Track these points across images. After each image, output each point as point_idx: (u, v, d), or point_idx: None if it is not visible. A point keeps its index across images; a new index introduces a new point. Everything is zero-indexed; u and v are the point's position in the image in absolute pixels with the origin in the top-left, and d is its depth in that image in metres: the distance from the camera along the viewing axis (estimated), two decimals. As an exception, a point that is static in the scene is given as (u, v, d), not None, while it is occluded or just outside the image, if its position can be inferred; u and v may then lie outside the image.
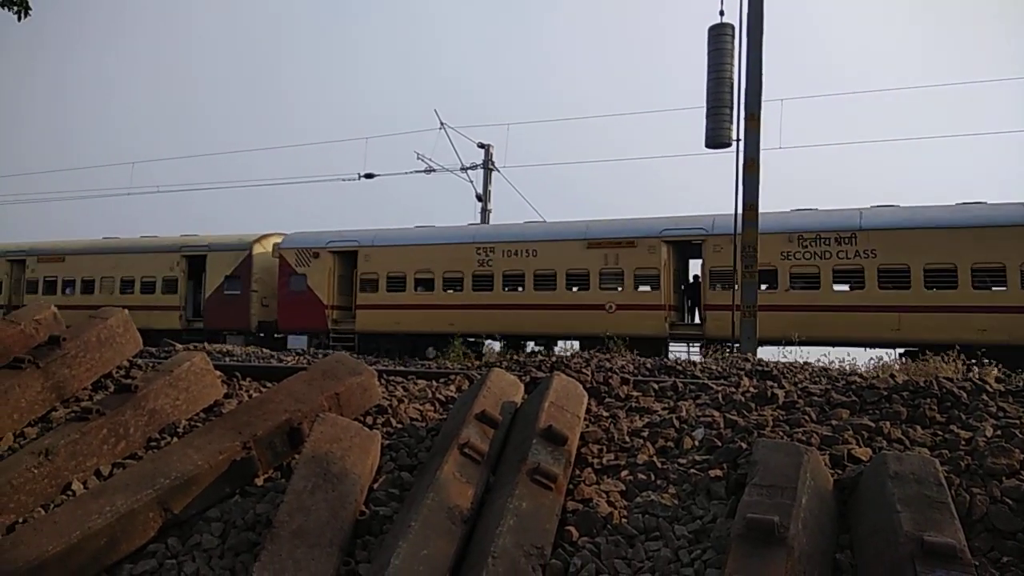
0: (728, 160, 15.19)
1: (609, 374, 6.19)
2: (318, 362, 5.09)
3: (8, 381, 5.05)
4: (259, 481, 4.16)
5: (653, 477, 4.06)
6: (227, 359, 8.34)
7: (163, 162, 66.23)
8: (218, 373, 5.44)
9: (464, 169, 28.26)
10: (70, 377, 5.35)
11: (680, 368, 9.68)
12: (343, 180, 29.01)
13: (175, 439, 4.68)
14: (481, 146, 28.69)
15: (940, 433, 4.09)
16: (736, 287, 15.75)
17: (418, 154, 28.15)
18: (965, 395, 4.50)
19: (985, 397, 4.46)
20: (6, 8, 7.78)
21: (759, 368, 9.74)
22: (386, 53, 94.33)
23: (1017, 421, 4.00)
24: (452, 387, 5.71)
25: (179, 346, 10.51)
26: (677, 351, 19.29)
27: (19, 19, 7.88)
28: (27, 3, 7.82)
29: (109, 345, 5.64)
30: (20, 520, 4.01)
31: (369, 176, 28.46)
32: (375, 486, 3.99)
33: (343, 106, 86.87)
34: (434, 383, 5.83)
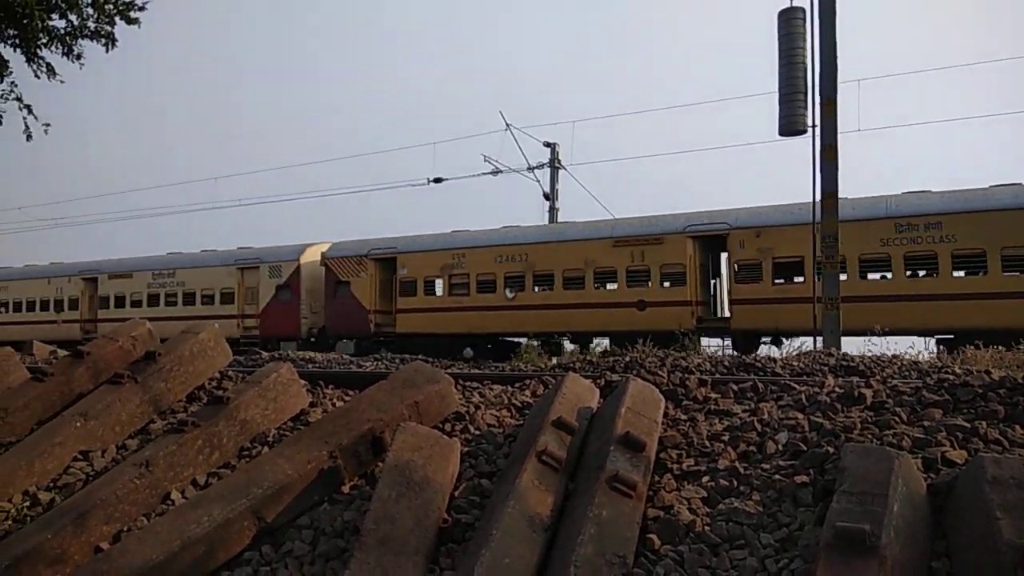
0: (804, 145, 14.66)
1: (686, 375, 6.11)
2: (397, 371, 5.21)
3: (109, 396, 5.35)
4: (345, 489, 4.29)
5: (735, 483, 3.98)
6: (310, 366, 8.62)
7: (237, 177, 68.93)
8: (303, 382, 5.63)
9: (531, 169, 28.39)
10: (166, 390, 5.64)
11: (760, 365, 9.45)
12: (413, 186, 29.53)
13: (265, 448, 4.87)
14: (547, 145, 28.72)
15: (1042, 433, 3.88)
16: (816, 278, 15.42)
17: (485, 156, 28.45)
18: (1068, 392, 4.26)
19: (1090, 394, 4.22)
20: (95, 41, 8.23)
21: (844, 363, 9.43)
22: (448, 56, 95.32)
23: None
24: (527, 392, 5.75)
25: (265, 354, 10.90)
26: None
27: (107, 51, 8.34)
28: (114, 36, 8.26)
29: (201, 358, 5.91)
30: (125, 529, 4.25)
31: (438, 180, 28.89)
32: (456, 494, 4.05)
33: (409, 113, 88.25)
34: (509, 388, 5.88)
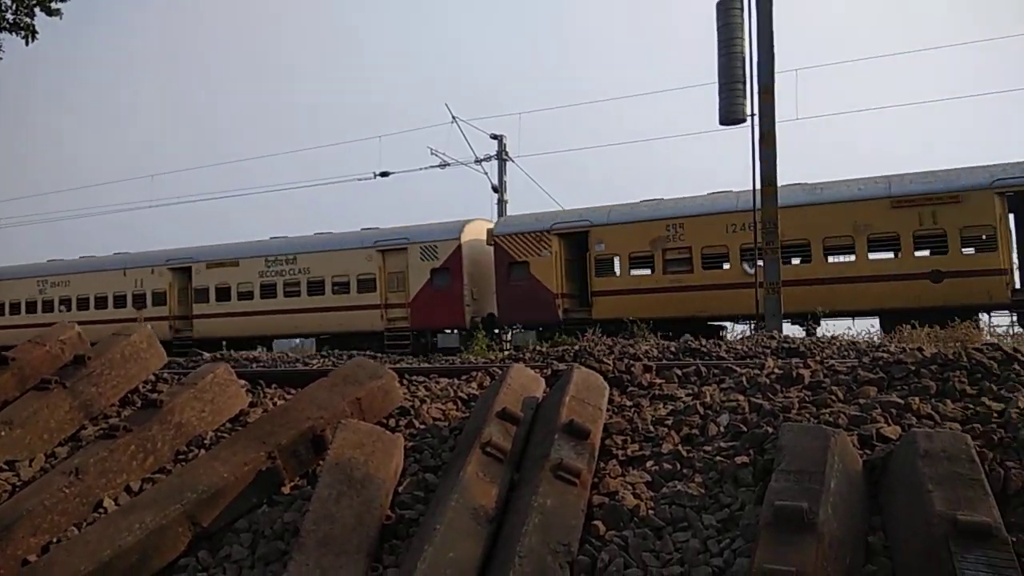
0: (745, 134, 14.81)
1: (631, 362, 6.13)
2: (339, 368, 5.11)
3: (37, 403, 5.13)
4: (286, 490, 4.18)
5: (679, 466, 4.01)
6: (254, 366, 8.42)
7: (175, 174, 66.78)
8: (242, 382, 5.48)
9: (478, 161, 28.24)
10: (97, 395, 5.43)
11: (705, 351, 9.58)
12: (359, 180, 29.07)
13: (202, 451, 4.72)
14: (494, 137, 28.63)
15: (971, 406, 4.00)
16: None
17: (431, 149, 28.17)
18: (996, 366, 4.40)
19: (1017, 367, 4.35)
20: (14, 33, 7.88)
21: (785, 346, 9.63)
22: (393, 49, 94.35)
23: (1051, 390, 3.90)
24: (474, 384, 5.70)
25: (207, 355, 10.61)
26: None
27: (27, 43, 7.98)
28: (34, 28, 7.91)
29: (134, 361, 5.71)
30: (54, 540, 4.07)
31: (384, 174, 28.55)
32: (400, 489, 3.99)
33: (355, 106, 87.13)
34: (455, 381, 5.82)
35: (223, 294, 25.39)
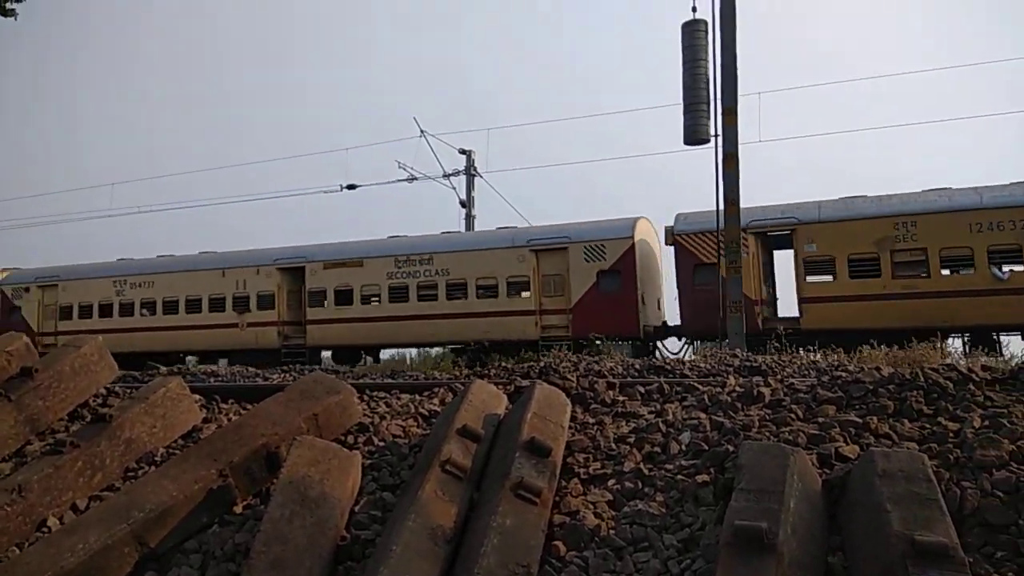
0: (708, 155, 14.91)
1: (595, 379, 6.11)
2: (295, 382, 4.99)
3: (-21, 417, 4.93)
4: (238, 509, 4.06)
5: (640, 485, 3.98)
6: (212, 380, 8.23)
7: (136, 183, 65.18)
8: (196, 397, 5.34)
9: (446, 176, 28.22)
10: (44, 409, 5.24)
11: (669, 368, 9.62)
12: (324, 192, 28.79)
13: (153, 468, 4.57)
14: (463, 152, 28.65)
15: (928, 426, 4.04)
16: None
17: (399, 163, 28.06)
18: (952, 386, 4.45)
19: (972, 387, 4.41)
20: None
21: (747, 364, 9.70)
22: (363, 61, 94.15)
23: (1004, 410, 3.95)
24: (435, 400, 5.62)
25: (163, 369, 10.35)
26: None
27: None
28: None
29: (84, 373, 5.52)
30: (-7, 561, 3.89)
31: (351, 187, 28.34)
32: (356, 509, 3.89)
33: (321, 118, 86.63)
34: (417, 397, 5.74)
35: (344, 297, 22.69)
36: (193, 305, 24.25)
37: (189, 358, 24.15)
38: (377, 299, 22.27)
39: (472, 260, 21.34)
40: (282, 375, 8.88)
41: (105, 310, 25.51)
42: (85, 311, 25.66)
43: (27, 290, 26.87)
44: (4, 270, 28.17)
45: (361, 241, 23.57)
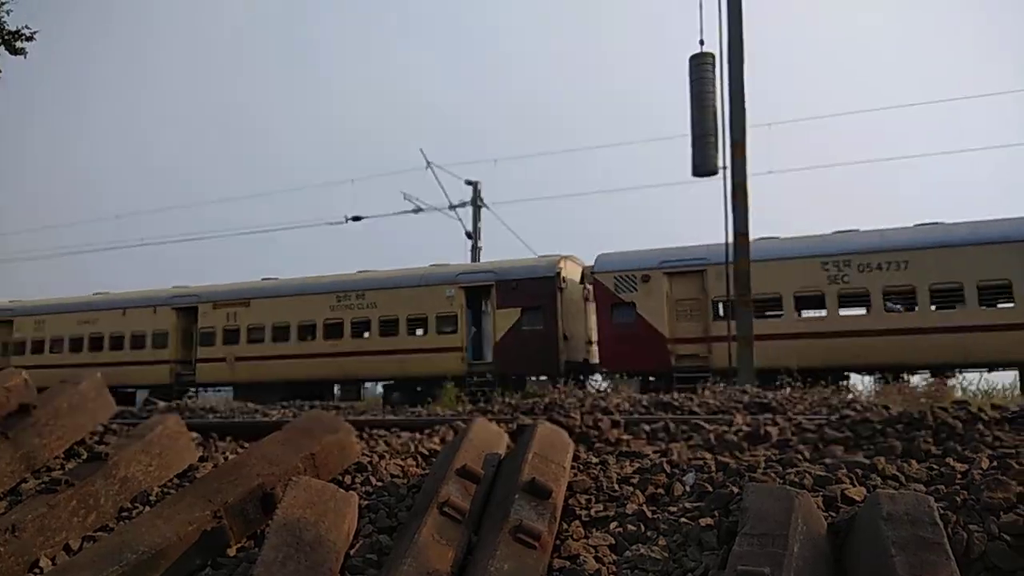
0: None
1: (599, 417, 6.04)
2: (294, 421, 4.94)
3: (-25, 454, 4.89)
4: (231, 552, 3.98)
5: (643, 528, 3.89)
6: (211, 416, 8.17)
7: (144, 216, 65.76)
8: (193, 435, 5.29)
9: (452, 207, 28.35)
10: (40, 446, 5.19)
11: (677, 404, 9.49)
12: (330, 224, 28.95)
13: (147, 508, 4.51)
14: (469, 183, 28.82)
15: (936, 467, 3.94)
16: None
17: (405, 194, 28.27)
18: (960, 425, 4.37)
19: (980, 427, 4.33)
20: None
21: (757, 401, 9.56)
22: (368, 92, 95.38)
23: (1013, 451, 3.86)
24: (436, 439, 5.56)
25: (161, 404, 10.31)
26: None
27: None
28: None
29: (80, 411, 5.49)
30: (-17, 605, 3.83)
31: (357, 219, 28.52)
32: (352, 552, 3.81)
33: (329, 148, 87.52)
34: (417, 435, 5.67)
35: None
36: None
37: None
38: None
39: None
40: (282, 411, 8.82)
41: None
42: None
43: None
44: None
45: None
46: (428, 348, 21.39)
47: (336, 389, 23.09)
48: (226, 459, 5.15)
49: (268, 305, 23.40)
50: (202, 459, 5.17)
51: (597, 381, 20.55)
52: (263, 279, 25.12)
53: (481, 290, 21.42)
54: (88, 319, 25.88)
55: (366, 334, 22.53)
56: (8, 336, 27.15)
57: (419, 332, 21.76)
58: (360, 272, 23.49)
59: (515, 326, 20.50)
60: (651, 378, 19.21)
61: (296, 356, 23.01)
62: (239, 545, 4.04)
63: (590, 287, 21.11)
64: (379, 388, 23.78)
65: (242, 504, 4.05)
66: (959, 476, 3.72)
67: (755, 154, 15.13)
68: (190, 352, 24.76)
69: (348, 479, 4.65)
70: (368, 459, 4.93)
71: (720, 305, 18.80)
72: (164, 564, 3.73)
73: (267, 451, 4.39)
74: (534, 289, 20.33)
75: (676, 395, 10.35)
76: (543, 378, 19.93)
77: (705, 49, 16.32)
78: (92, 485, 4.49)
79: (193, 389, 23.70)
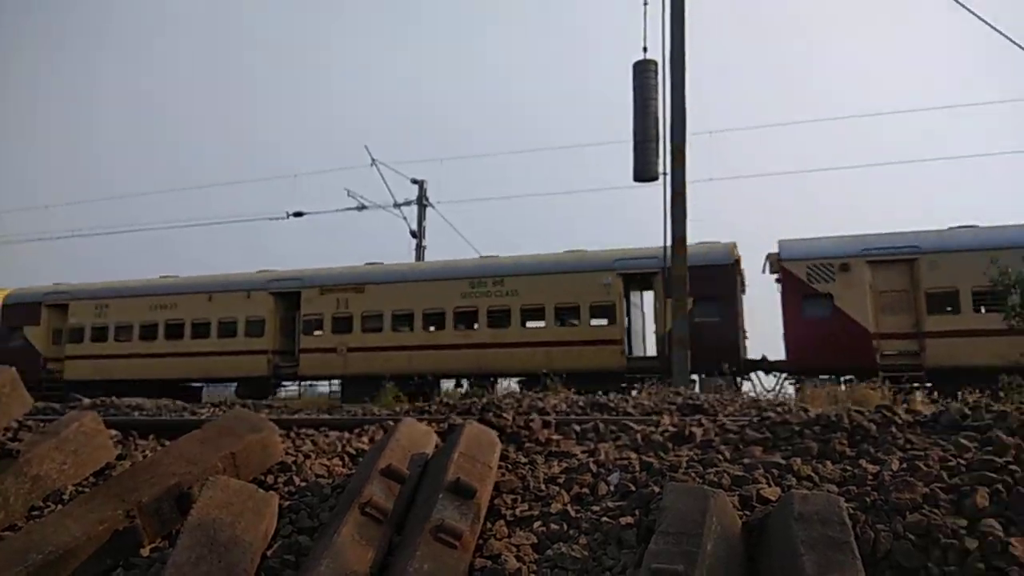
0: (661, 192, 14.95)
1: (530, 417, 6.06)
2: (215, 419, 4.83)
3: None
4: (144, 552, 3.87)
5: (566, 527, 3.92)
6: (136, 414, 7.92)
7: (67, 207, 63.21)
8: (112, 432, 5.12)
9: (397, 206, 28.12)
10: (-53, 444, 4.95)
11: (612, 406, 9.59)
12: (270, 219, 28.40)
13: (60, 507, 4.35)
14: (415, 182, 28.64)
15: (849, 468, 4.07)
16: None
17: (348, 191, 27.90)
18: (875, 428, 4.52)
19: (894, 429, 4.49)
20: None
21: (689, 402, 9.72)
22: (312, 88, 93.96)
23: (922, 453, 4.01)
24: (365, 439, 5.49)
25: (86, 400, 9.95)
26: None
27: None
28: None
29: (-8, 407, 5.27)
30: None
31: (298, 214, 28.03)
32: (269, 553, 3.74)
33: (269, 144, 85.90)
34: (346, 435, 5.60)
35: (99, 334, 23.88)
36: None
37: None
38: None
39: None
40: (212, 410, 8.60)
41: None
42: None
43: None
44: None
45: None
46: (580, 340, 19.36)
47: (465, 384, 20.26)
48: (145, 457, 5.00)
49: (387, 291, 21.32)
50: (120, 457, 5.01)
51: (757, 379, 18.94)
52: (367, 263, 22.88)
53: (641, 277, 19.55)
54: (164, 303, 23.55)
55: (506, 324, 20.42)
56: (62, 322, 24.72)
57: (572, 322, 19.82)
58: (490, 257, 21.70)
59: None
60: (849, 377, 17.11)
61: (420, 348, 20.78)
62: (153, 545, 3.93)
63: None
64: (511, 383, 19.86)
65: (157, 503, 3.94)
66: (870, 477, 3.85)
67: (697, 161, 15.41)
68: (288, 342, 22.75)
69: (270, 479, 4.56)
70: (293, 459, 4.85)
71: (935, 298, 17.15)
72: (72, 564, 3.61)
73: (185, 449, 4.28)
74: (709, 277, 18.08)
75: (612, 396, 10.46)
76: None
77: (648, 56, 16.56)
78: (2, 483, 4.31)
79: (285, 383, 22.52)
